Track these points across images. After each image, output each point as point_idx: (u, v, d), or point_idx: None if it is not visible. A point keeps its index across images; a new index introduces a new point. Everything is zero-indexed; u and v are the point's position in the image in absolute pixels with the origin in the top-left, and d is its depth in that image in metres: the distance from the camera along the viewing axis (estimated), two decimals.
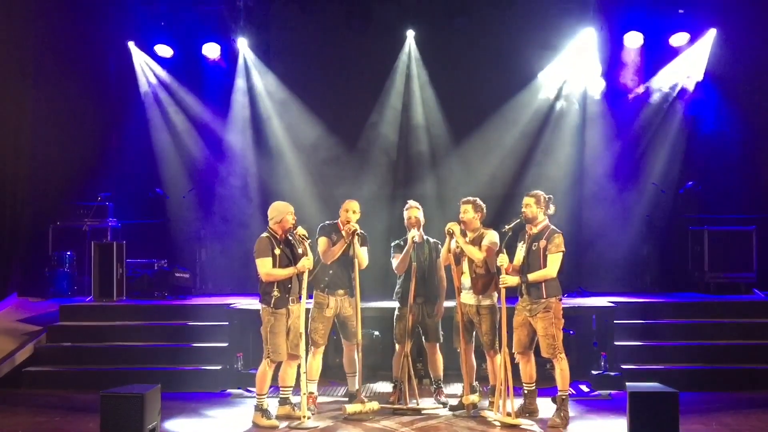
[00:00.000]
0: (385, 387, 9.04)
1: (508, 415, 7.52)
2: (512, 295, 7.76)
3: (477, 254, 7.78)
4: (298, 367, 7.72)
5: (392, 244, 8.34)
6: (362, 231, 7.95)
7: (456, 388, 8.58)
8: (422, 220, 8.18)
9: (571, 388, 7.84)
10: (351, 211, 8.01)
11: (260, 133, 12.38)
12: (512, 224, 7.63)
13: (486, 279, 7.83)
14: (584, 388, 9.08)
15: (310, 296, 7.93)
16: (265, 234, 7.68)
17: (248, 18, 12.01)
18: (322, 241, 7.95)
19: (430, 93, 12.21)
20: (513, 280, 7.56)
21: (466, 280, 7.93)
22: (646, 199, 12.12)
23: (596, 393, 8.92)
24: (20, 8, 11.41)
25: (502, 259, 7.55)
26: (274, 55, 12.30)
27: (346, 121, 12.25)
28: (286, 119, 12.31)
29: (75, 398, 8.73)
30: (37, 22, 11.61)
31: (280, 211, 7.68)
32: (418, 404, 8.07)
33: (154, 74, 12.39)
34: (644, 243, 12.02)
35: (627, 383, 7.05)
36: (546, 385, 8.39)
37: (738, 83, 11.86)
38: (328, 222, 8.14)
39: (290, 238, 7.72)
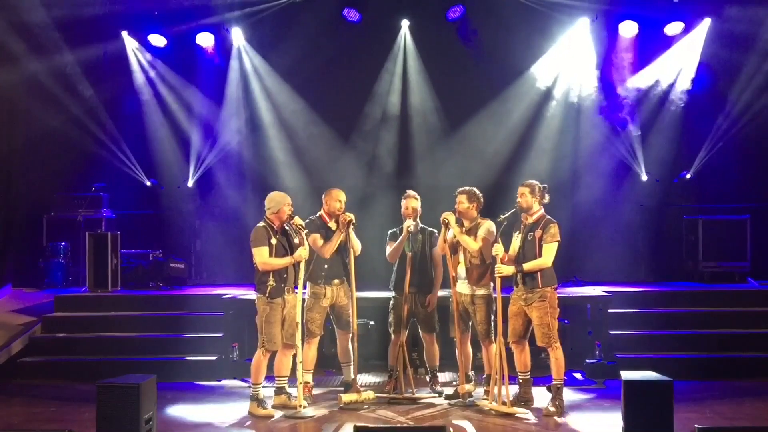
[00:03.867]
0: (380, 376, 9.05)
1: (504, 403, 7.56)
2: (507, 284, 7.77)
3: (472, 244, 7.79)
4: (294, 356, 7.72)
5: (389, 232, 8.36)
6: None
7: (451, 377, 8.59)
8: (419, 209, 8.19)
9: (565, 377, 7.85)
10: (343, 201, 8.02)
11: (255, 123, 12.33)
12: (507, 214, 7.65)
13: (481, 269, 7.85)
14: (579, 376, 9.11)
15: (305, 287, 7.93)
16: (261, 223, 7.68)
17: (242, 7, 11.96)
18: (315, 238, 7.93)
19: (424, 83, 12.16)
20: (508, 270, 7.58)
21: (461, 269, 7.95)
22: (640, 189, 12.14)
23: (591, 382, 8.96)
24: None
25: (498, 249, 7.57)
26: (269, 45, 12.24)
27: (341, 110, 12.22)
28: (280, 109, 12.26)
29: (70, 389, 8.73)
30: (31, 12, 11.53)
31: (278, 202, 7.67)
32: (413, 393, 8.10)
33: (148, 64, 12.31)
34: (639, 232, 12.06)
35: (621, 372, 7.04)
36: (541, 374, 8.43)
37: (732, 72, 11.84)
38: (311, 217, 8.09)
39: (287, 228, 7.72)
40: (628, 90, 12.06)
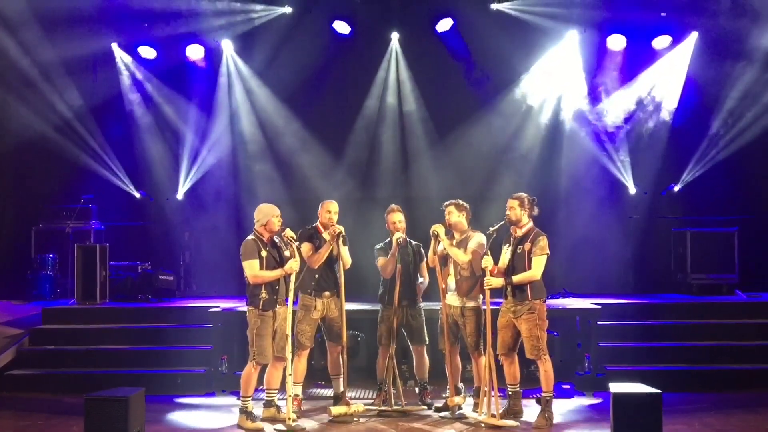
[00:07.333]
0: (370, 389, 9.03)
1: (493, 416, 7.56)
2: (497, 296, 7.78)
3: (461, 257, 7.81)
4: (284, 369, 7.71)
5: (376, 247, 8.35)
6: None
7: (441, 389, 8.58)
8: (404, 222, 8.20)
9: (554, 390, 7.86)
10: (333, 212, 8.03)
11: (244, 136, 12.34)
12: (497, 227, 7.67)
13: (470, 281, 7.86)
14: (568, 389, 9.11)
15: (296, 297, 7.92)
16: (251, 236, 7.68)
17: (232, 19, 11.98)
18: (306, 247, 7.95)
19: (412, 95, 12.22)
20: (498, 282, 7.59)
21: (451, 281, 7.96)
22: (628, 201, 12.19)
23: (580, 394, 8.96)
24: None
25: (487, 261, 7.58)
26: (259, 57, 12.25)
27: (330, 123, 12.27)
28: (269, 122, 12.29)
29: (59, 402, 8.69)
30: (20, 23, 11.52)
31: (266, 214, 7.68)
32: (403, 406, 8.09)
33: (138, 75, 12.32)
34: (627, 245, 12.10)
35: (610, 384, 7.08)
36: (530, 386, 8.44)
37: (719, 86, 11.92)
38: (307, 227, 8.12)
39: (277, 240, 7.72)
40: (616, 102, 12.12)
